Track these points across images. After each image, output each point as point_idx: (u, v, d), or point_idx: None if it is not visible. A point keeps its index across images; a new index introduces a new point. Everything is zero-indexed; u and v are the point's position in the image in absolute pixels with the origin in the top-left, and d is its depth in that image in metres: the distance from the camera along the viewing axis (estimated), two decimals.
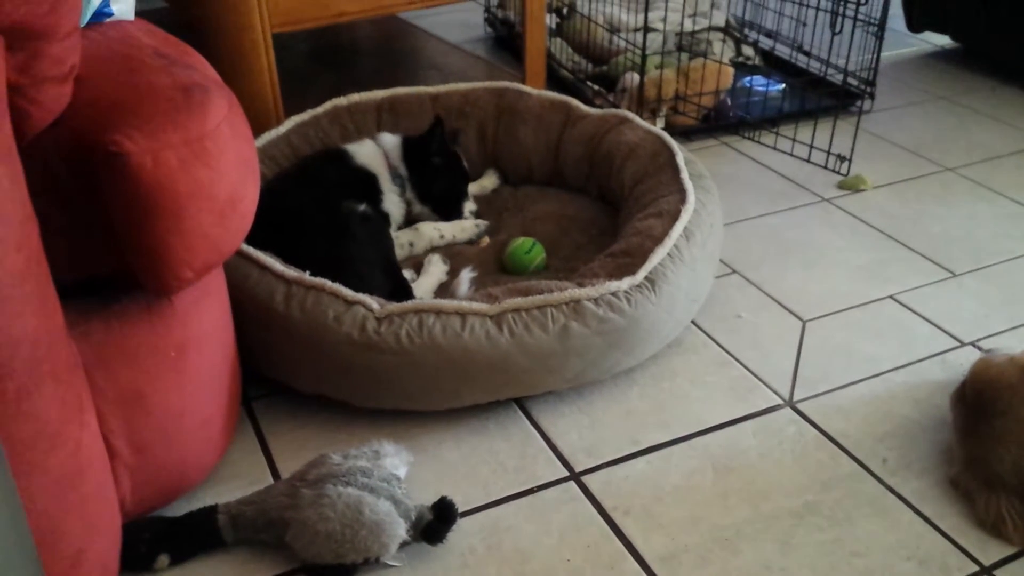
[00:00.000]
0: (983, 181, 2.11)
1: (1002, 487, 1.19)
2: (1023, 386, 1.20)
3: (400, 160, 1.76)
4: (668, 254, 1.45)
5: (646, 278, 1.41)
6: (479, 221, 1.79)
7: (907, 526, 1.21)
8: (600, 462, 1.31)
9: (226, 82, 1.14)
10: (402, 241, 1.71)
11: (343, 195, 1.58)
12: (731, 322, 1.62)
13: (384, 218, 1.72)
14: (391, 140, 1.78)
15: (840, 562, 1.16)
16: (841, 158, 2.13)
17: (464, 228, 1.76)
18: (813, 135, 2.20)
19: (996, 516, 1.18)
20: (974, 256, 1.81)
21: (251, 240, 1.39)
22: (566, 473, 1.30)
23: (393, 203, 1.75)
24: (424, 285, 1.58)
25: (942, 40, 2.94)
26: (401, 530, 1.11)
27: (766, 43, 2.74)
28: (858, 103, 2.39)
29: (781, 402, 1.43)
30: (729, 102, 2.35)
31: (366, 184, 1.71)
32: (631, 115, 1.87)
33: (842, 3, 2.06)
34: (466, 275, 1.59)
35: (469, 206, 1.83)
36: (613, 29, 2.59)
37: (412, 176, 1.76)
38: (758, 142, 2.28)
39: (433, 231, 1.74)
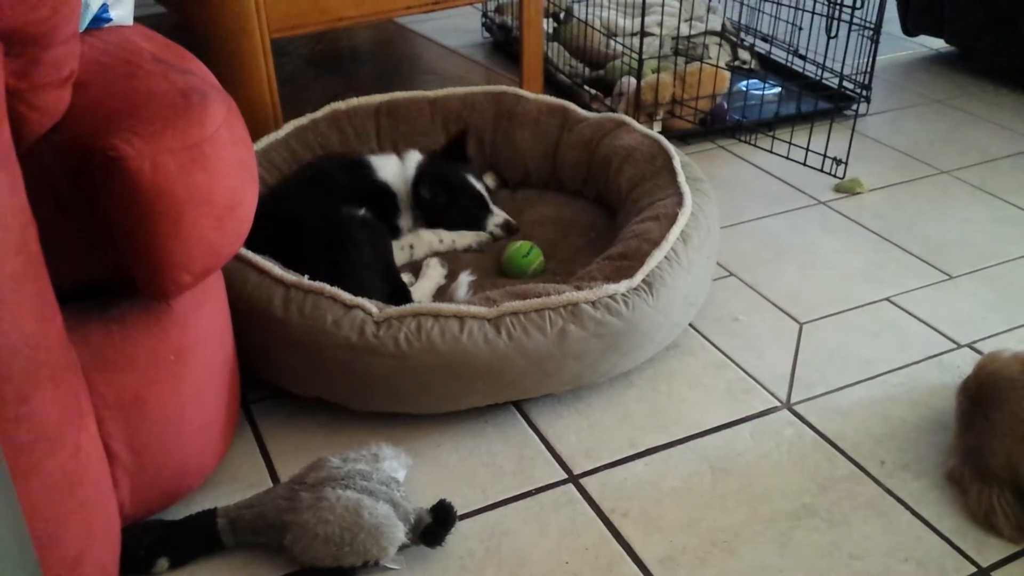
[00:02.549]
0: (979, 184, 2.11)
1: (994, 479, 1.20)
2: (1023, 381, 1.21)
3: (409, 189, 1.74)
4: (665, 257, 1.45)
5: (643, 281, 1.41)
6: (480, 233, 1.77)
7: (905, 528, 1.21)
8: (598, 464, 1.32)
9: (224, 87, 1.14)
10: (402, 243, 1.71)
11: (361, 207, 1.59)
12: (728, 325, 1.62)
13: (395, 231, 1.71)
14: (412, 162, 1.77)
15: (838, 564, 1.16)
16: (837, 161, 2.13)
17: (464, 235, 1.76)
18: (809, 138, 2.21)
19: (987, 508, 1.19)
20: (970, 258, 1.82)
21: (257, 245, 1.39)
22: (564, 476, 1.30)
23: (407, 220, 1.75)
24: (422, 289, 1.59)
25: (937, 44, 2.95)
26: (400, 533, 1.12)
27: (762, 47, 2.75)
28: (854, 106, 2.40)
29: (778, 404, 1.44)
30: (726, 106, 2.36)
31: (385, 200, 1.71)
32: (628, 119, 1.87)
33: (838, 7, 2.06)
34: (464, 278, 1.60)
35: (494, 220, 1.78)
36: (610, 33, 2.60)
37: (419, 207, 1.75)
38: (754, 145, 2.29)
39: (432, 236, 1.74)
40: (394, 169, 1.75)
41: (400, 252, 1.70)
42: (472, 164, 1.84)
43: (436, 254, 1.72)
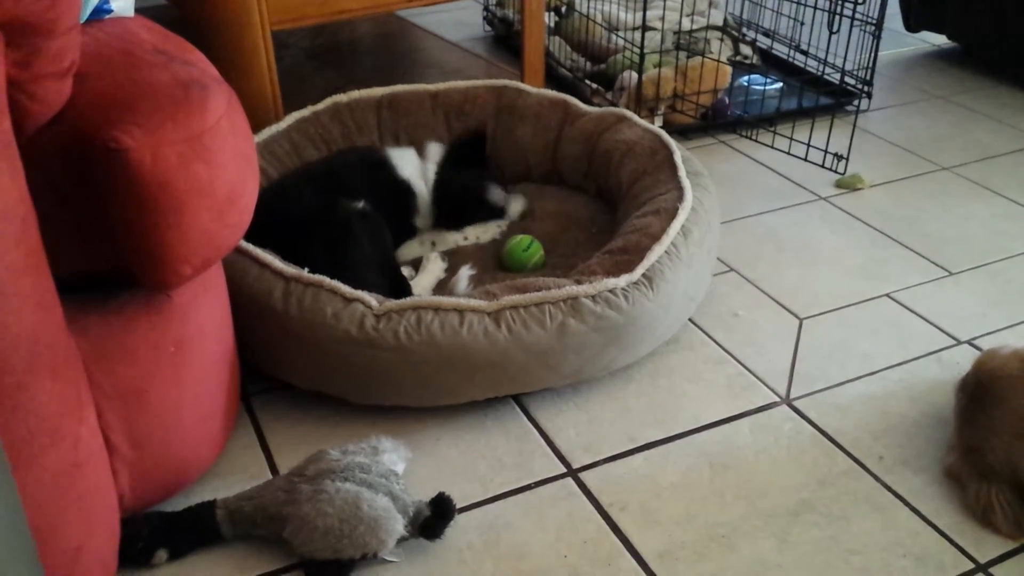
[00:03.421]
0: (980, 180, 2.11)
1: (993, 476, 1.20)
2: (1022, 378, 1.21)
3: (430, 190, 1.74)
4: (666, 252, 1.45)
5: (644, 275, 1.41)
6: (501, 222, 1.77)
7: (903, 523, 1.21)
8: (597, 459, 1.32)
9: (225, 79, 1.14)
10: (423, 240, 1.71)
11: (378, 205, 1.58)
12: (728, 320, 1.62)
13: (412, 230, 1.72)
14: (432, 162, 1.76)
15: (836, 559, 1.16)
16: (838, 157, 2.13)
17: (487, 229, 1.75)
18: (810, 134, 2.21)
19: (986, 504, 1.19)
20: (970, 255, 1.82)
21: (258, 238, 1.39)
22: (563, 470, 1.30)
23: (425, 220, 1.74)
24: (422, 282, 1.59)
25: (939, 39, 2.95)
26: (399, 526, 1.12)
27: (764, 42, 2.74)
28: (855, 102, 2.40)
29: (778, 399, 1.44)
30: (727, 101, 2.35)
31: (405, 198, 1.70)
32: (629, 113, 1.87)
33: (840, 2, 2.06)
34: (464, 272, 1.60)
35: (510, 213, 1.80)
36: (611, 28, 2.59)
37: (438, 210, 1.74)
38: (756, 141, 2.28)
39: (457, 234, 1.73)
40: (414, 167, 1.74)
41: (420, 247, 1.70)
42: (489, 165, 1.83)
43: (456, 249, 1.71)
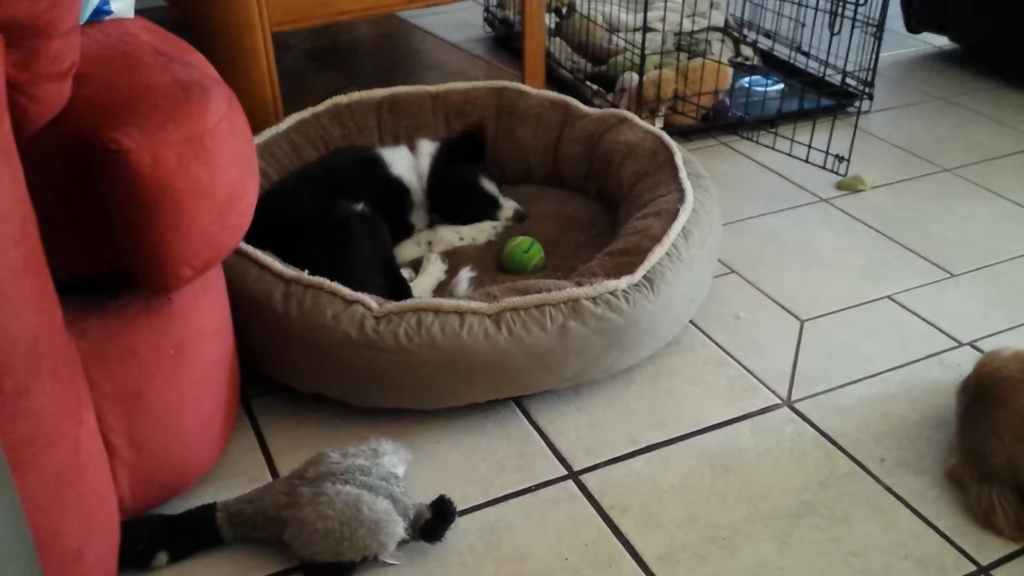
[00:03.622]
0: (981, 182, 2.11)
1: (995, 478, 1.20)
2: (1022, 379, 1.21)
3: (424, 188, 1.74)
4: (666, 253, 1.45)
5: (644, 277, 1.41)
6: (496, 223, 1.77)
7: (904, 525, 1.21)
8: (598, 461, 1.31)
9: (225, 80, 1.14)
10: (419, 239, 1.71)
11: (374, 204, 1.57)
12: (729, 322, 1.62)
13: (408, 228, 1.72)
14: (425, 156, 1.76)
15: (838, 561, 1.16)
16: (839, 158, 2.13)
17: (482, 230, 1.75)
18: (811, 135, 2.20)
19: (987, 506, 1.19)
20: (972, 256, 1.82)
21: (259, 240, 1.39)
22: (564, 472, 1.30)
23: (420, 217, 1.75)
24: (423, 284, 1.58)
25: (940, 41, 2.94)
26: (399, 528, 1.12)
27: (765, 43, 2.74)
28: (856, 103, 2.39)
29: (779, 402, 1.43)
30: (728, 102, 2.35)
31: (399, 196, 1.70)
32: (630, 115, 1.87)
33: (841, 3, 2.06)
34: (465, 274, 1.59)
35: (504, 212, 1.79)
36: (612, 29, 2.59)
37: (432, 206, 1.75)
38: (756, 142, 2.28)
39: (452, 233, 1.73)
40: (406, 163, 1.74)
41: (417, 248, 1.70)
42: (485, 160, 1.83)
43: (455, 250, 1.71)
